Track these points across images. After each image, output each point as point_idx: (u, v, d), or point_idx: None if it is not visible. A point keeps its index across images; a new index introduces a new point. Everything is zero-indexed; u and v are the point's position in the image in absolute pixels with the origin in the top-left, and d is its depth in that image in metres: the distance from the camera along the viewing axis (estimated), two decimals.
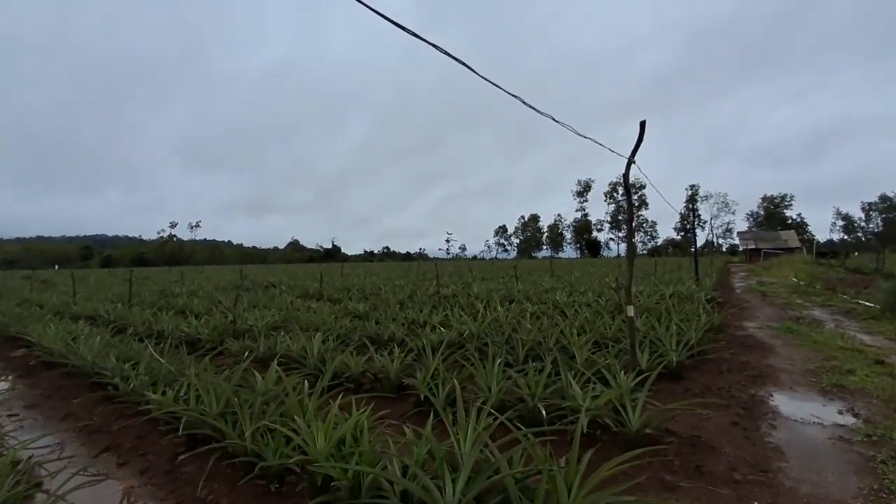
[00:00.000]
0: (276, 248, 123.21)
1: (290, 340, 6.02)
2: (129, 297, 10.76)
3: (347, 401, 3.63)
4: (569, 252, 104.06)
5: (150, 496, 3.11)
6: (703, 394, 4.49)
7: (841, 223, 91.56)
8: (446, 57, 2.86)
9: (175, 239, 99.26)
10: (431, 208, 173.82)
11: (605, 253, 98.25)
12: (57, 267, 49.02)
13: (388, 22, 2.80)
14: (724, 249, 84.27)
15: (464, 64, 2.78)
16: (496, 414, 2.75)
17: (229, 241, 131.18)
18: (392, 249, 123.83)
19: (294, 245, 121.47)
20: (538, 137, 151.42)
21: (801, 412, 4.03)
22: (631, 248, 4.83)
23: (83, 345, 5.90)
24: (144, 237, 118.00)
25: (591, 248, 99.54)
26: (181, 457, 3.41)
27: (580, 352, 5.08)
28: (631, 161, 4.70)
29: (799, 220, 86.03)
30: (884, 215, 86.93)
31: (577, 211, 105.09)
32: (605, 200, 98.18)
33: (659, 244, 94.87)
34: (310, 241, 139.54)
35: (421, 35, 2.90)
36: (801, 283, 16.33)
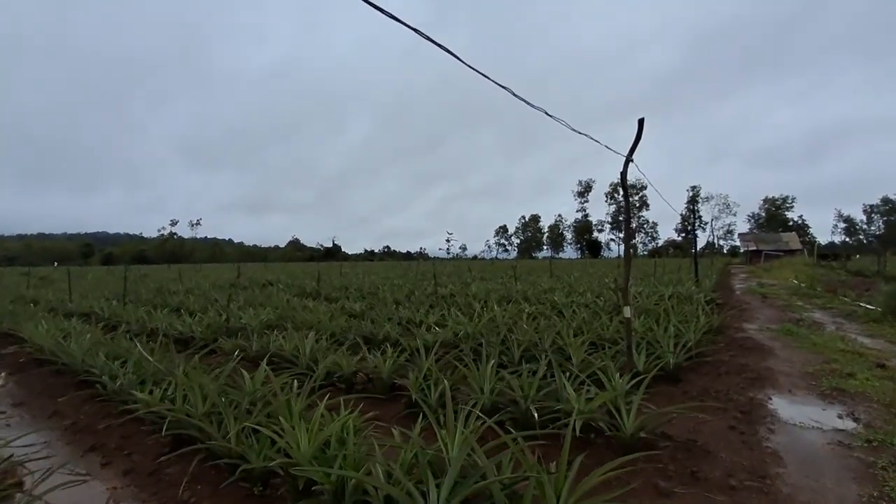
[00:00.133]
0: (276, 247, 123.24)
1: (282, 340, 5.95)
2: (124, 295, 10.69)
3: (336, 402, 3.56)
4: (569, 252, 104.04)
5: (133, 498, 3.04)
6: (700, 397, 4.41)
7: (842, 225, 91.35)
8: (447, 56, 2.79)
9: (176, 237, 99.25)
10: (432, 208, 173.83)
11: (605, 254, 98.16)
12: (56, 264, 49.01)
13: (387, 19, 2.72)
14: (724, 251, 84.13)
15: (448, 51, 2.71)
16: (484, 418, 2.67)
17: (230, 240, 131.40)
18: (393, 249, 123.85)
19: (294, 244, 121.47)
20: (539, 137, 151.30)
21: (801, 416, 3.94)
22: (628, 248, 4.75)
23: (73, 342, 5.83)
24: (145, 235, 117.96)
25: (592, 248, 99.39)
26: (164, 457, 3.33)
27: (576, 353, 5.01)
28: (629, 159, 4.61)
29: (800, 222, 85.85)
30: (885, 218, 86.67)
31: (577, 211, 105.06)
32: (606, 201, 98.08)
33: (660, 245, 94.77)
34: (310, 240, 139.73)
35: (415, 27, 2.82)
36: (802, 285, 16.23)
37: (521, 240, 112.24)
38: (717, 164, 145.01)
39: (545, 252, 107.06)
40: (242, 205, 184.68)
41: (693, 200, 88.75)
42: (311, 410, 3.31)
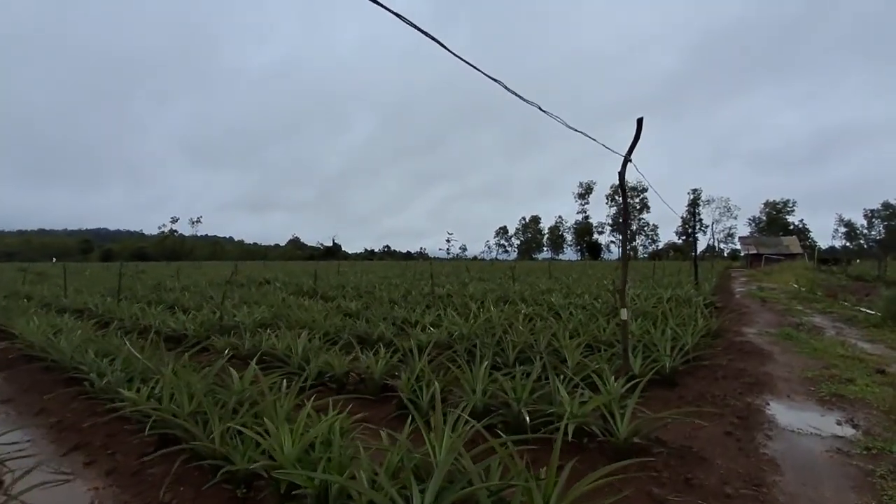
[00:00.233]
0: (276, 246, 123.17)
1: (275, 339, 5.88)
2: (119, 291, 10.62)
3: (325, 402, 3.49)
4: (569, 254, 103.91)
5: (114, 499, 2.97)
6: (696, 401, 4.34)
7: (843, 230, 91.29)
8: (449, 56, 2.74)
9: (176, 234, 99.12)
10: (433, 208, 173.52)
11: (605, 256, 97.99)
12: (54, 260, 48.94)
13: (388, 20, 2.66)
14: (725, 254, 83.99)
15: (434, 39, 2.64)
16: (472, 422, 2.60)
17: (230, 238, 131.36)
18: (393, 248, 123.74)
19: (295, 242, 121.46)
20: (540, 138, 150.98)
21: (799, 422, 3.87)
22: (625, 249, 4.67)
23: (64, 339, 5.77)
24: (146, 232, 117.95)
25: (592, 250, 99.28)
26: (147, 458, 3.26)
27: (572, 355, 4.94)
28: (627, 159, 4.55)
29: (801, 226, 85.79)
30: (886, 222, 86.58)
31: (578, 213, 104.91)
32: (607, 203, 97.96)
33: (660, 248, 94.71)
34: (311, 239, 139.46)
35: (399, 14, 2.75)
36: (802, 289, 16.16)
37: (521, 241, 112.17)
38: (718, 167, 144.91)
39: (545, 253, 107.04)
40: (243, 203, 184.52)
41: (694, 203, 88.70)
42: (298, 411, 3.25)
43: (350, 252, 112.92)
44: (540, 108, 3.56)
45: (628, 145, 4.47)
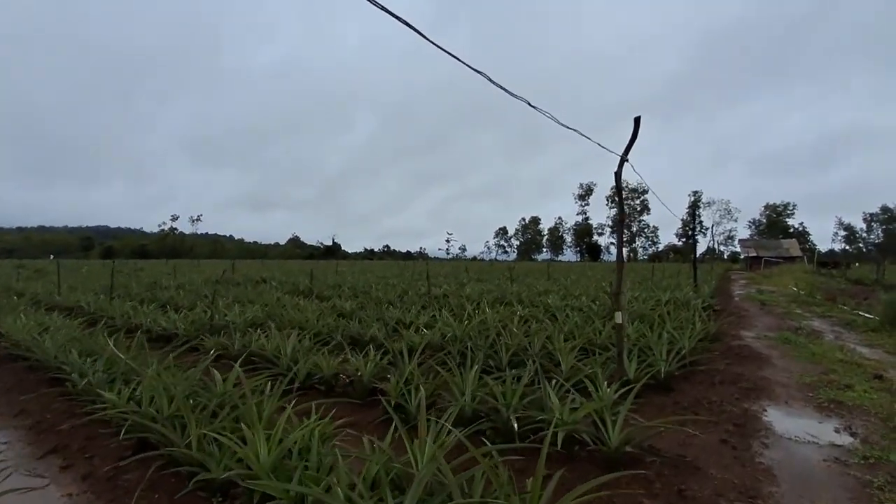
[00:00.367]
0: (276, 244, 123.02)
1: (264, 339, 5.78)
2: (111, 289, 10.52)
3: (308, 406, 3.39)
4: (569, 255, 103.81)
5: None
6: (692, 407, 4.24)
7: (843, 233, 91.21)
8: (451, 57, 2.65)
9: (176, 232, 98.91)
10: (433, 208, 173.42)
11: (605, 257, 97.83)
12: (52, 257, 48.79)
13: (390, 19, 2.57)
14: (724, 256, 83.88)
15: (420, 33, 2.55)
16: (455, 432, 2.49)
17: (231, 236, 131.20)
18: (392, 248, 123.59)
19: (295, 241, 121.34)
20: (541, 139, 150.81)
21: (796, 429, 3.78)
22: (621, 250, 4.58)
23: (49, 338, 5.66)
24: (146, 230, 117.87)
25: (592, 251, 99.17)
26: (122, 462, 3.16)
27: (566, 359, 4.84)
28: (624, 159, 4.45)
29: (801, 229, 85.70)
30: (885, 226, 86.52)
31: (578, 214, 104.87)
32: (607, 204, 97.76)
33: (660, 250, 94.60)
34: (311, 238, 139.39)
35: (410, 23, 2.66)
36: (801, 292, 16.07)
37: (520, 242, 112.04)
38: (719, 170, 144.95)
39: (545, 254, 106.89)
40: (244, 202, 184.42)
41: (694, 205, 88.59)
42: (282, 415, 3.15)
43: (350, 251, 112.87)
44: (529, 104, 3.46)
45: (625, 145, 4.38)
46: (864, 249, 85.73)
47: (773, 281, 24.07)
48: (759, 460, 3.20)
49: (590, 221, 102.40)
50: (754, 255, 55.50)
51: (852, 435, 3.66)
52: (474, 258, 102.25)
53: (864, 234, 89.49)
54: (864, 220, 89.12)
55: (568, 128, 4.16)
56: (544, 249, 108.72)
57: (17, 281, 16.21)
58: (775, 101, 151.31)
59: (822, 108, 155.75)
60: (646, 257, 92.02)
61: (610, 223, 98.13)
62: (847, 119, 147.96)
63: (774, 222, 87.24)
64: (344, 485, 2.16)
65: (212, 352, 4.91)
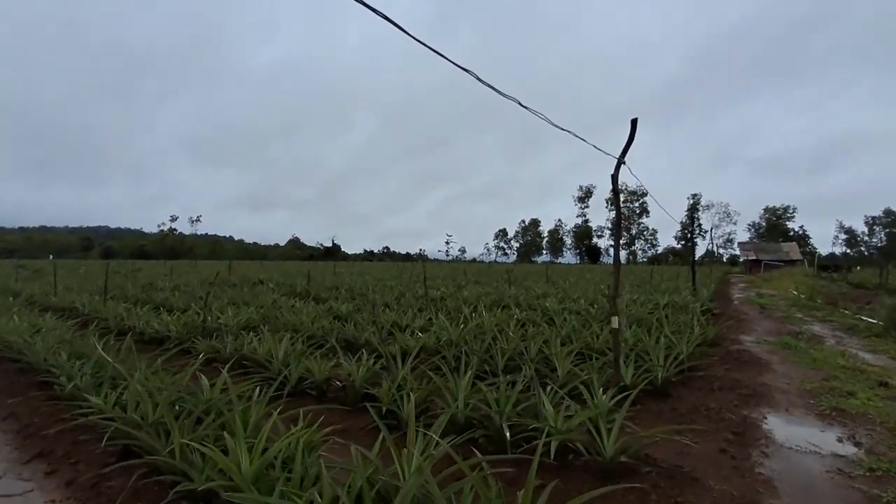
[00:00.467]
0: (276, 245, 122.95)
1: (256, 342, 5.69)
2: (105, 290, 10.44)
3: (296, 413, 3.30)
4: (568, 258, 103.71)
5: None
6: (690, 414, 4.15)
7: (843, 237, 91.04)
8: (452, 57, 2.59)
9: (176, 232, 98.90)
10: (433, 209, 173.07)
11: (605, 259, 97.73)
12: (52, 257, 48.77)
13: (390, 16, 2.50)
14: (724, 259, 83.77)
15: (404, 30, 2.48)
16: (442, 443, 2.41)
17: (230, 237, 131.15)
18: (392, 249, 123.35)
19: (294, 242, 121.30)
20: (541, 141, 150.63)
21: (797, 438, 3.69)
22: (618, 252, 4.50)
23: (39, 340, 5.59)
24: (146, 230, 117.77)
25: (591, 254, 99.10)
26: (106, 469, 3.08)
27: (562, 364, 4.76)
28: (621, 161, 4.37)
29: (801, 232, 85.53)
30: (887, 230, 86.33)
31: (577, 217, 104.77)
32: (607, 207, 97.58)
33: (659, 252, 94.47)
34: (311, 238, 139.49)
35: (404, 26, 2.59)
36: (802, 296, 15.97)
37: (520, 244, 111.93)
38: (719, 172, 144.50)
39: (544, 256, 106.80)
40: (244, 202, 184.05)
41: (693, 208, 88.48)
42: (269, 421, 3.07)
43: (350, 253, 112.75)
44: (520, 104, 3.39)
45: (630, 150, 4.31)
46: (866, 253, 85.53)
47: (773, 284, 23.98)
48: (759, 471, 3.11)
49: (589, 224, 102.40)
50: (754, 258, 55.42)
51: (856, 445, 3.57)
52: (474, 260, 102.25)
53: (866, 238, 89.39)
54: (866, 223, 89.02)
55: (561, 129, 4.09)
56: (544, 251, 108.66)
57: (15, 281, 16.15)
58: (775, 103, 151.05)
59: (822, 110, 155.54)
60: (645, 260, 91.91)
61: (609, 226, 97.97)
62: (848, 121, 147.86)
63: (774, 225, 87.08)
64: (327, 498, 2.08)
65: (201, 356, 4.83)
